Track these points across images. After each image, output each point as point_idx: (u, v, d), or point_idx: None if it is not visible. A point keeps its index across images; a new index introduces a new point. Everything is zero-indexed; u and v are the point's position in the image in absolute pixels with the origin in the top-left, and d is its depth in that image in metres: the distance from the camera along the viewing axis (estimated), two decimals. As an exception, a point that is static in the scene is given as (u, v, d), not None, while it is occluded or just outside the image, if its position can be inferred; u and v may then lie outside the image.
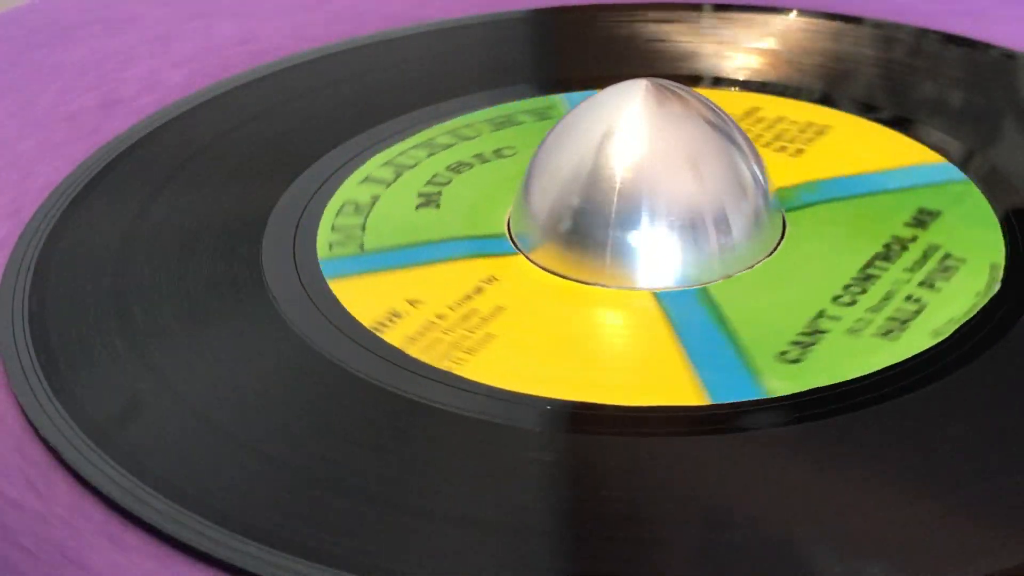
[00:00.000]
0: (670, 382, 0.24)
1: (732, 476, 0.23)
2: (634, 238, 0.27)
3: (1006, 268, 0.27)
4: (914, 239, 0.28)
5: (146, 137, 0.33)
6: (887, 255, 0.27)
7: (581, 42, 0.38)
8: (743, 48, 0.36)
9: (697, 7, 0.38)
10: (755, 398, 0.24)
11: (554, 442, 0.24)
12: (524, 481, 0.23)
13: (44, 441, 0.24)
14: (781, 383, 0.24)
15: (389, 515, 0.22)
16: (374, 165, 0.31)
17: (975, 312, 0.26)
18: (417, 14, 0.39)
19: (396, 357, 0.25)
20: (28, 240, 0.29)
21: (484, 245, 0.28)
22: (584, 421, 0.24)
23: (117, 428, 0.24)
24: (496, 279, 0.27)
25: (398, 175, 0.31)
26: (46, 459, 0.23)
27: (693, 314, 0.26)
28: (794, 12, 0.37)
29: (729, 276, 0.27)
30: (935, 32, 0.36)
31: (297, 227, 0.29)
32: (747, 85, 0.34)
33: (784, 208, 0.29)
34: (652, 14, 0.38)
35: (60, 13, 0.41)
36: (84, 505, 0.22)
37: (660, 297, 0.26)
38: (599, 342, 0.26)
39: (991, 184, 0.30)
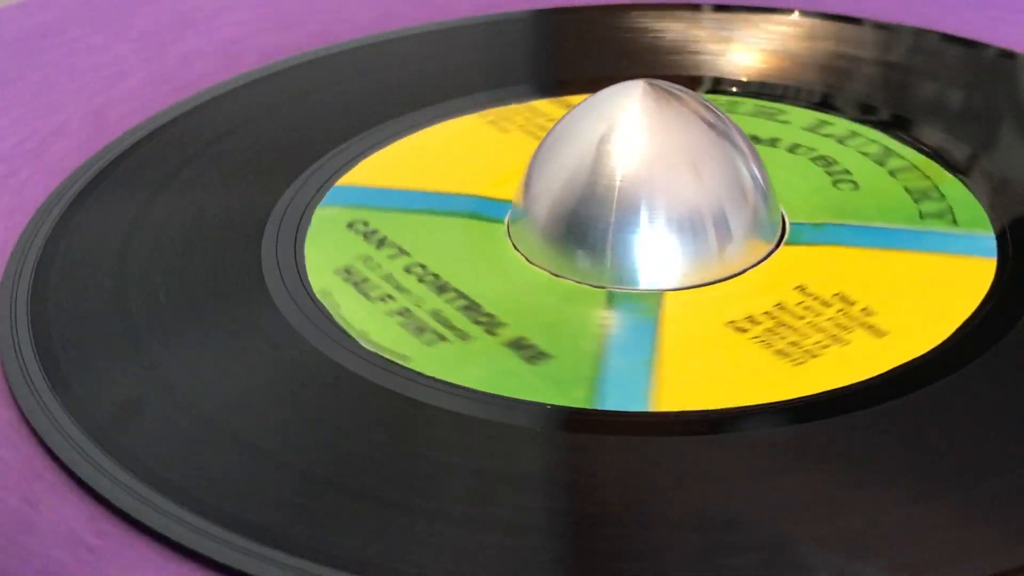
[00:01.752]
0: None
1: (732, 477, 0.23)
2: (633, 239, 0.27)
3: (1005, 271, 0.27)
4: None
5: (146, 137, 0.33)
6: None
7: (581, 42, 0.38)
8: (743, 48, 0.36)
9: (697, 7, 0.38)
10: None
11: (553, 442, 0.24)
12: (524, 481, 0.23)
13: (43, 442, 0.24)
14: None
15: (389, 515, 0.22)
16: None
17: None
18: (417, 14, 0.39)
19: (396, 357, 0.25)
20: (28, 240, 0.29)
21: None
22: (584, 422, 0.24)
23: (117, 428, 0.24)
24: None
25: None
26: (45, 460, 0.23)
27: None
28: (795, 12, 0.37)
29: (729, 276, 0.27)
30: (934, 32, 0.36)
31: (297, 227, 0.29)
32: (747, 85, 0.34)
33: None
34: (652, 14, 0.38)
35: (60, 12, 0.41)
36: (83, 506, 0.22)
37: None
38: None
39: (990, 186, 0.30)
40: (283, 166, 0.31)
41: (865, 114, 0.33)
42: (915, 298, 0.26)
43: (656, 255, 0.27)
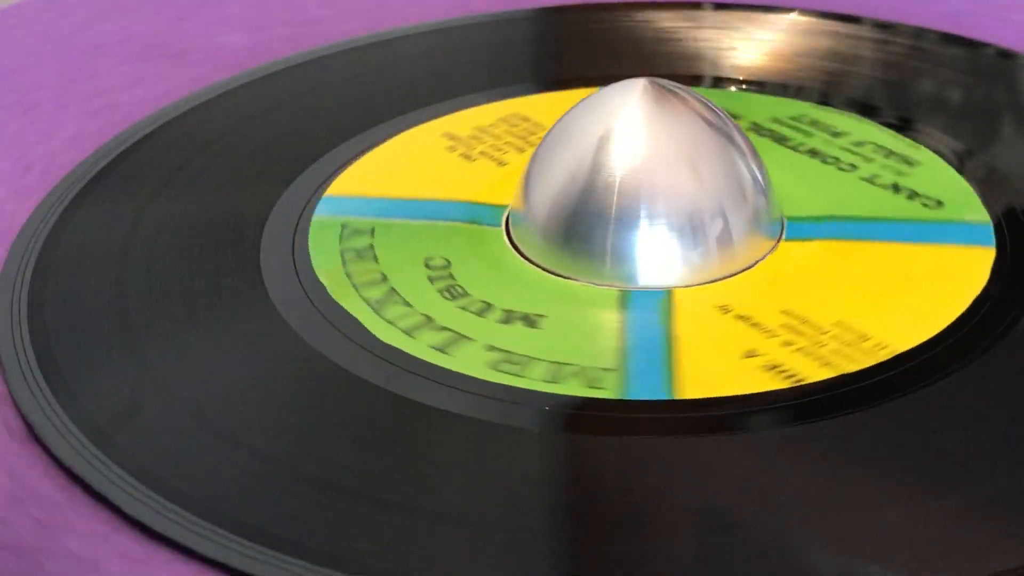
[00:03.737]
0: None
1: (731, 477, 0.23)
2: (633, 238, 0.27)
3: (1005, 267, 0.27)
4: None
5: (146, 137, 0.33)
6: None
7: (581, 42, 0.38)
8: (743, 48, 0.36)
9: (697, 6, 0.38)
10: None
11: (552, 442, 0.24)
12: (523, 481, 0.23)
13: (42, 441, 0.23)
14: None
15: (388, 515, 0.22)
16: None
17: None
18: (418, 14, 0.39)
19: (396, 357, 0.25)
20: (27, 240, 0.29)
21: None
22: (583, 421, 0.24)
23: (116, 429, 0.24)
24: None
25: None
26: (44, 459, 0.23)
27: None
28: (795, 12, 0.37)
29: (701, 283, 0.27)
30: (934, 32, 0.36)
31: (296, 227, 0.29)
32: (747, 85, 0.34)
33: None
34: (652, 14, 0.38)
35: (60, 12, 0.41)
36: (82, 506, 0.22)
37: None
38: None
39: (988, 183, 0.30)
40: (283, 166, 0.31)
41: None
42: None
43: (656, 254, 0.27)
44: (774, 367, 0.25)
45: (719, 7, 0.38)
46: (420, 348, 0.25)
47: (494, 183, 0.30)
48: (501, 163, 0.31)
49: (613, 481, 0.23)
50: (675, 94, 0.28)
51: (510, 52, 0.38)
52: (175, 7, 0.41)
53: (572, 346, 0.25)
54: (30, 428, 0.24)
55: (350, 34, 0.38)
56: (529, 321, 0.26)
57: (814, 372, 0.24)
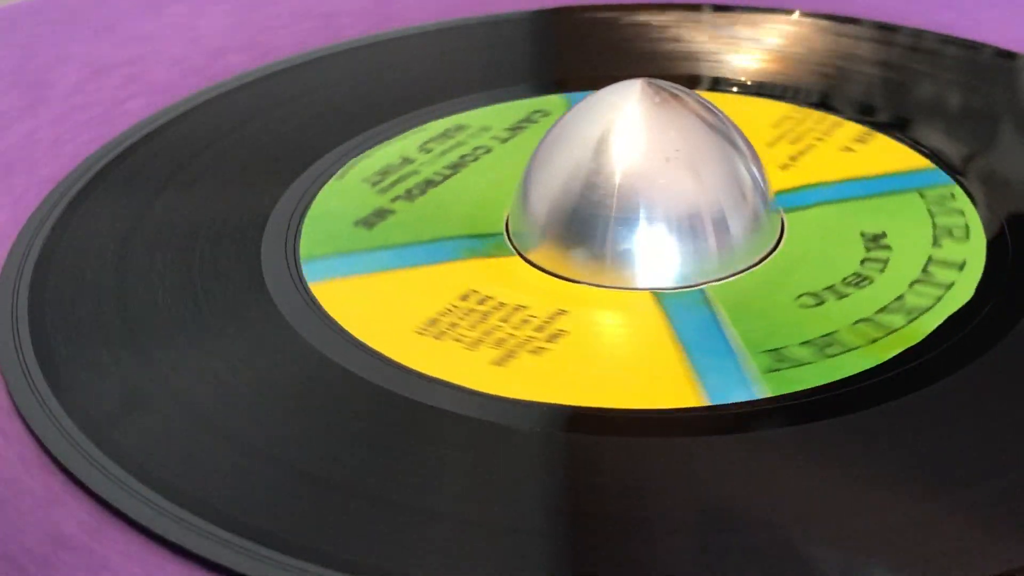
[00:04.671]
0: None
1: (731, 477, 0.23)
2: (632, 238, 0.27)
3: (1005, 267, 0.27)
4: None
5: (146, 137, 0.33)
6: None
7: (581, 42, 0.38)
8: (743, 48, 0.36)
9: (697, 7, 0.38)
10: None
11: (553, 443, 0.24)
12: (523, 482, 0.23)
13: (40, 440, 0.23)
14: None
15: (388, 515, 0.22)
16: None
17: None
18: (417, 14, 0.39)
19: (395, 357, 0.25)
20: (27, 240, 0.29)
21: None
22: (583, 422, 0.24)
23: (115, 428, 0.24)
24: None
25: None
26: (43, 458, 0.23)
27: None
28: (796, 12, 0.37)
29: (728, 276, 0.27)
30: (934, 33, 0.36)
31: (297, 227, 0.29)
32: (746, 85, 0.34)
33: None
34: (652, 14, 0.38)
35: (61, 12, 0.41)
36: (82, 506, 0.22)
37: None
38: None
39: (986, 186, 0.30)
40: (283, 166, 0.31)
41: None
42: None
43: (655, 253, 0.27)
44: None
45: (719, 8, 0.38)
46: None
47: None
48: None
49: (612, 482, 0.23)
50: (672, 94, 0.28)
51: (510, 52, 0.38)
52: (176, 7, 0.41)
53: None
54: (29, 427, 0.24)
55: (350, 34, 0.38)
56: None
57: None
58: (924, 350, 0.25)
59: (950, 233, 0.28)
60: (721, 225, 0.27)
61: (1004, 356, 0.25)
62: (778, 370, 0.24)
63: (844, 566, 0.21)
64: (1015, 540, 0.21)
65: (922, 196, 0.30)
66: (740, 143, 0.28)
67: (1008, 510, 0.22)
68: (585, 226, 0.27)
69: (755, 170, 0.28)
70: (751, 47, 0.36)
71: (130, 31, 0.39)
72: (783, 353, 0.25)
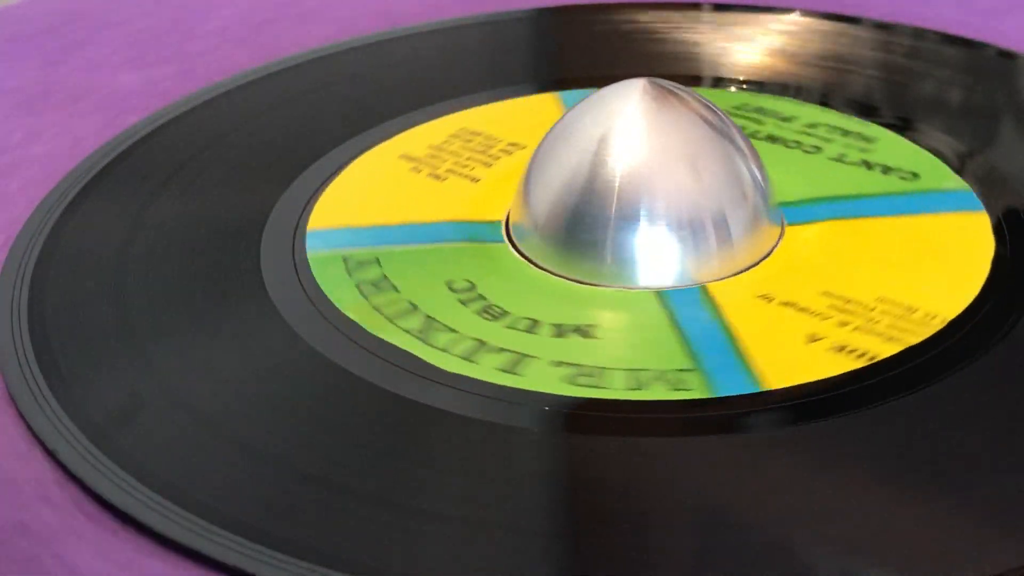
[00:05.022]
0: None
1: (731, 477, 0.23)
2: (633, 238, 0.27)
3: (1005, 267, 0.27)
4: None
5: (146, 137, 0.33)
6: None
7: (581, 42, 0.38)
8: (743, 48, 0.36)
9: (697, 7, 0.38)
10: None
11: (553, 442, 0.24)
12: (523, 481, 0.23)
13: (41, 440, 0.23)
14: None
15: (388, 515, 0.22)
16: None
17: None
18: (418, 14, 0.39)
19: (395, 357, 0.25)
20: (27, 240, 0.29)
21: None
22: (583, 421, 0.24)
23: (116, 429, 0.24)
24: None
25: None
26: (43, 458, 0.23)
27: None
28: (796, 12, 0.37)
29: (729, 276, 0.27)
30: (934, 33, 0.36)
31: (296, 227, 0.29)
32: (747, 85, 0.34)
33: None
34: (652, 14, 0.38)
35: (60, 12, 0.41)
36: (82, 506, 0.22)
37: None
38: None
39: (988, 185, 0.30)
40: (283, 166, 0.31)
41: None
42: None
43: (655, 253, 0.27)
44: (842, 348, 0.25)
45: (719, 8, 0.38)
46: (488, 372, 0.25)
47: (476, 200, 0.30)
48: (473, 179, 0.31)
49: (613, 481, 0.23)
50: (674, 94, 0.28)
51: (510, 52, 0.38)
52: (175, 7, 0.41)
53: (638, 352, 0.25)
54: (30, 428, 0.24)
55: (349, 34, 0.38)
56: (582, 332, 0.26)
57: (882, 348, 0.25)
58: (924, 350, 0.25)
59: None
60: (721, 224, 0.27)
61: (1004, 356, 0.25)
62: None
63: (844, 566, 0.21)
64: (1015, 540, 0.21)
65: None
66: (741, 142, 0.28)
67: (1008, 510, 0.22)
68: (585, 225, 0.27)
69: (756, 169, 0.28)
70: (751, 46, 0.36)
71: (130, 31, 0.39)
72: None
